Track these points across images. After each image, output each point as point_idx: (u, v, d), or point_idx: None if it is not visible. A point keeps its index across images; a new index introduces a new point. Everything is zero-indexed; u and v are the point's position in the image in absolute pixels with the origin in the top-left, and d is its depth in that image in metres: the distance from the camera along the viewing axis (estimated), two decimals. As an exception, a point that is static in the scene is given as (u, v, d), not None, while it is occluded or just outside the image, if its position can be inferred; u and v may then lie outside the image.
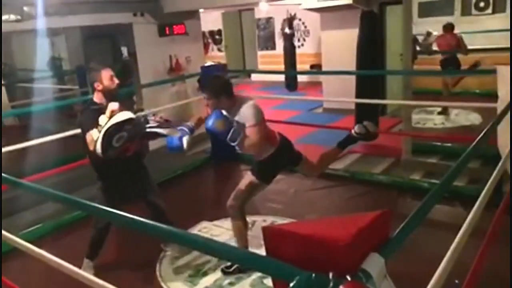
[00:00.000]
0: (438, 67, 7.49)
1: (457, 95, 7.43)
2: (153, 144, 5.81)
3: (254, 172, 3.26)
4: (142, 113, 3.68)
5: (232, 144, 2.94)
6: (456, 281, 2.12)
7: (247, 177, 3.27)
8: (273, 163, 3.22)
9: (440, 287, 1.65)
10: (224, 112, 2.98)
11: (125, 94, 7.28)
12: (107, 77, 3.11)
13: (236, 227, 3.30)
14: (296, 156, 3.37)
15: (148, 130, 3.23)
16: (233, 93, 3.10)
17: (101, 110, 2.98)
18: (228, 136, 2.91)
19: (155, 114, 3.50)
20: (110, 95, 3.10)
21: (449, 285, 1.73)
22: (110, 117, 2.89)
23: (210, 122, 2.92)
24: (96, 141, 2.87)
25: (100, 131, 2.87)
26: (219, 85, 3.06)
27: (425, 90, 7.44)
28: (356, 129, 3.47)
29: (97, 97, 3.14)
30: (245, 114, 2.95)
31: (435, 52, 7.61)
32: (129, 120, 2.93)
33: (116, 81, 3.16)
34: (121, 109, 2.96)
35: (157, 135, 3.34)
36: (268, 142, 3.15)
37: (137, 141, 3.22)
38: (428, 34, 8.34)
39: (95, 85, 3.12)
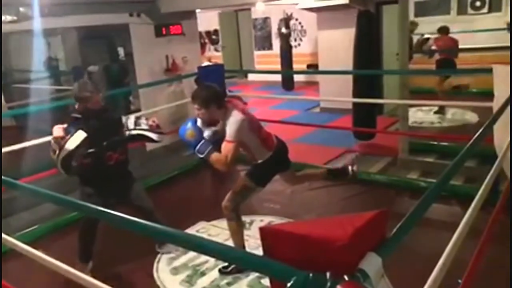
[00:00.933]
0: (433, 66, 7.51)
1: (453, 94, 7.45)
2: (150, 145, 5.87)
3: (249, 175, 3.25)
4: (134, 115, 3.67)
5: (200, 156, 2.95)
6: (459, 280, 2.12)
7: (242, 180, 3.27)
8: (269, 166, 3.23)
9: (437, 286, 1.65)
10: (199, 123, 3.02)
11: (122, 95, 7.32)
12: (94, 102, 3.16)
13: (231, 228, 3.30)
14: (288, 161, 3.40)
15: (137, 132, 3.26)
16: (224, 103, 3.08)
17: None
18: (197, 148, 2.93)
19: (147, 117, 3.50)
20: (89, 113, 3.16)
21: (446, 284, 1.74)
22: (60, 145, 2.95)
23: (181, 130, 2.97)
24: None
25: (54, 154, 2.96)
26: (208, 95, 3.04)
27: (422, 89, 7.45)
28: (355, 168, 3.54)
29: (79, 108, 3.21)
30: (228, 127, 2.97)
31: (435, 51, 7.63)
32: (82, 143, 2.98)
33: (102, 103, 3.24)
34: (67, 130, 3.01)
35: (148, 139, 3.36)
36: (264, 146, 3.17)
37: (120, 150, 3.28)
38: (422, 35, 8.40)
39: (81, 101, 3.18)
